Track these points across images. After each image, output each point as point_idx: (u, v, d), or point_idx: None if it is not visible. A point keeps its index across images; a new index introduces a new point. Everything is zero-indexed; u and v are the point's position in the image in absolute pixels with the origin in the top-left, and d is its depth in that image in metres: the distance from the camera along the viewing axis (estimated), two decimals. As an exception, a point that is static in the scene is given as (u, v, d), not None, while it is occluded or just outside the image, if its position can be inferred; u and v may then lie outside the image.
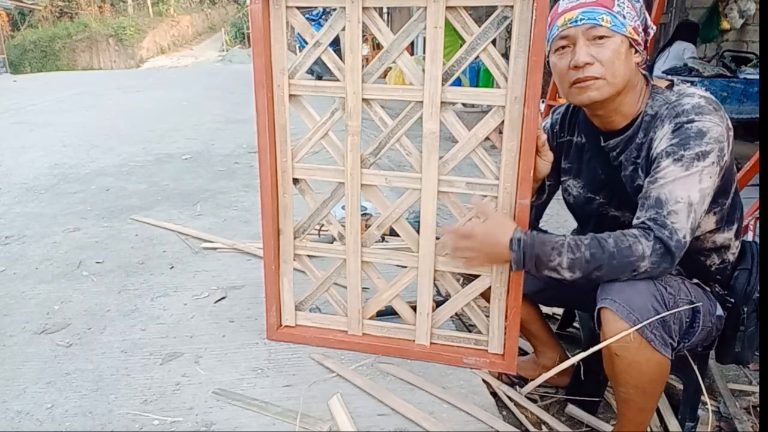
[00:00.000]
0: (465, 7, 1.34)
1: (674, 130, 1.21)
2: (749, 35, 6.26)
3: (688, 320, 1.27)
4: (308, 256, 1.68)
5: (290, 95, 1.52)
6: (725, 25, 6.19)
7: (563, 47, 1.27)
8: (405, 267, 1.60)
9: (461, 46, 1.36)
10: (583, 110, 1.40)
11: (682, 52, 5.31)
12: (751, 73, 4.97)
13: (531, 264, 1.29)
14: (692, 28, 5.67)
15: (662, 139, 1.23)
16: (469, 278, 1.60)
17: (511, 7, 1.30)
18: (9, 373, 1.65)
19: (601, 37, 1.22)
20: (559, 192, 1.60)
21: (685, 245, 1.19)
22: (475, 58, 1.37)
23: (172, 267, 2.38)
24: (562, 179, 1.52)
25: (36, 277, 2.31)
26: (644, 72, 1.33)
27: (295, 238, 1.65)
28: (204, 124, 6.01)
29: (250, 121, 6.15)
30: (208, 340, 1.81)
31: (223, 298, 2.10)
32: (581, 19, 1.23)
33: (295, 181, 1.61)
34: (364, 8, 1.38)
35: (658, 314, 1.20)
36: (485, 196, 1.44)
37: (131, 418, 1.45)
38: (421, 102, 1.41)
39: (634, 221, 1.23)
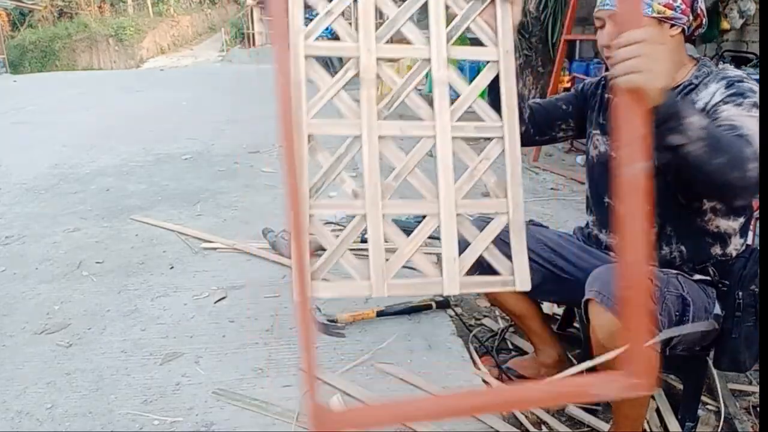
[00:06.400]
0: None
1: (727, 86, 1.24)
2: (749, 35, 6.26)
3: (677, 313, 1.27)
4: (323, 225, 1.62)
5: (306, 56, 1.57)
6: (725, 25, 6.18)
7: (600, 26, 1.35)
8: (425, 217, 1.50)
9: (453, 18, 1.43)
10: None
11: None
12: (751, 73, 4.97)
13: (679, 101, 1.13)
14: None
15: (715, 93, 1.25)
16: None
17: None
18: (9, 373, 1.65)
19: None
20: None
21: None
22: (468, 30, 1.44)
23: (172, 267, 2.38)
24: (593, 132, 1.54)
25: (36, 277, 2.31)
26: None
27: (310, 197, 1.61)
28: (204, 124, 6.01)
29: (250, 120, 6.17)
30: (208, 340, 1.81)
31: (223, 298, 2.10)
32: (606, 4, 1.30)
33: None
34: None
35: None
36: (491, 138, 1.47)
37: (131, 418, 1.45)
38: (428, 59, 1.48)
39: None
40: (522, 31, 6.68)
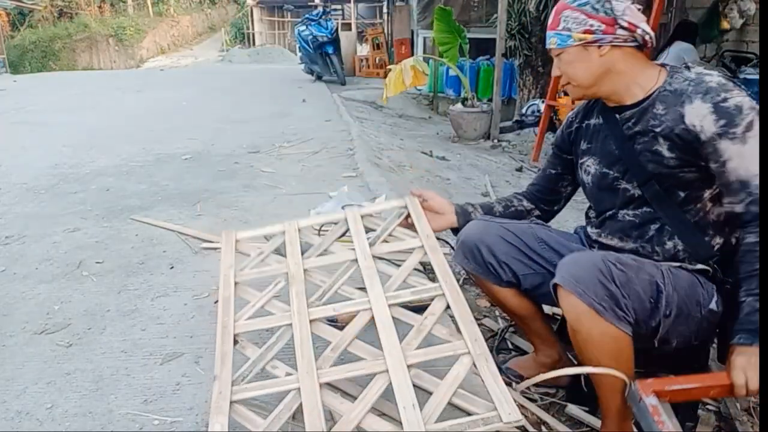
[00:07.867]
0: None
1: (713, 111, 1.26)
2: (749, 35, 6.26)
3: (652, 300, 1.28)
4: (251, 409, 1.43)
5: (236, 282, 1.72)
6: (725, 25, 6.19)
7: (553, 55, 1.48)
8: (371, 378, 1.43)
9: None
10: None
11: (682, 52, 5.31)
12: (751, 73, 4.98)
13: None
14: (692, 28, 5.67)
15: (704, 118, 1.27)
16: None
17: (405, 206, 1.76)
18: (9, 373, 1.65)
19: (558, 54, 1.43)
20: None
21: None
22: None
23: (172, 267, 2.38)
24: (581, 161, 1.58)
25: (36, 277, 2.31)
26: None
27: (233, 385, 1.42)
28: (204, 124, 6.01)
29: (250, 121, 6.17)
30: (208, 340, 1.81)
31: (223, 298, 2.10)
32: (550, 42, 1.44)
33: (236, 342, 1.52)
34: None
35: (605, 287, 1.24)
36: (433, 297, 1.53)
37: (131, 418, 1.45)
38: (355, 260, 1.69)
39: (737, 208, 1.28)
40: (522, 31, 6.70)
